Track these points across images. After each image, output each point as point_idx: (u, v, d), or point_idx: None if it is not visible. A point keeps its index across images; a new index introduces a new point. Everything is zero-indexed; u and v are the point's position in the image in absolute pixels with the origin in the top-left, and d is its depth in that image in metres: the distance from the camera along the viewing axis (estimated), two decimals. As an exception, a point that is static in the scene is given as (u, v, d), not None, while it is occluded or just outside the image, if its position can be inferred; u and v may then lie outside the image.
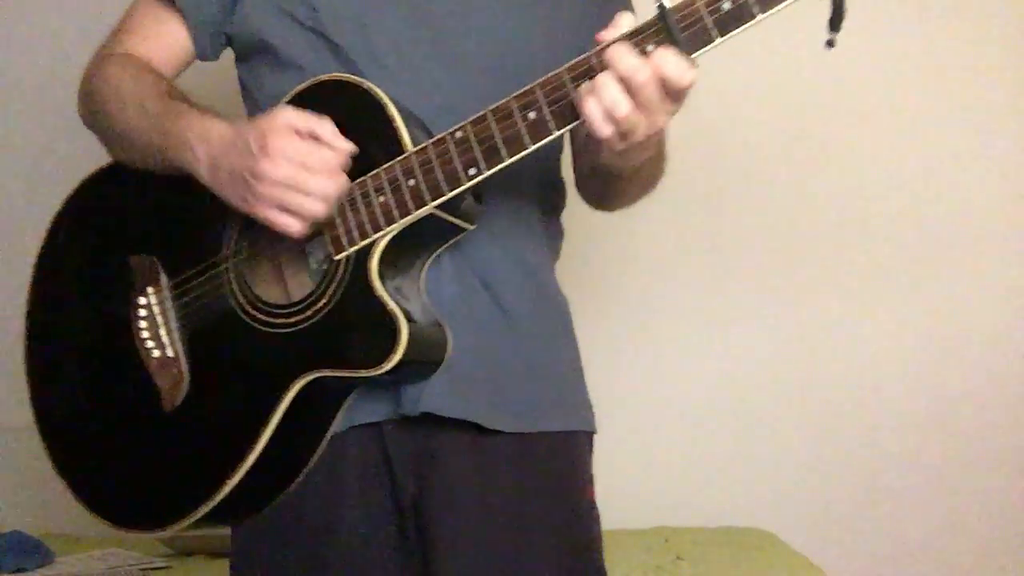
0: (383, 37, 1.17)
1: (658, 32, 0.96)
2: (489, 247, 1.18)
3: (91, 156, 1.29)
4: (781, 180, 2.32)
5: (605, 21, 1.11)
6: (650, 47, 0.96)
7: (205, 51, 1.27)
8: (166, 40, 1.26)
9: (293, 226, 1.06)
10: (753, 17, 0.93)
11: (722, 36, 0.95)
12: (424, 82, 1.16)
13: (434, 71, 1.16)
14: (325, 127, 1.05)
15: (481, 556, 1.15)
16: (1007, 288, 2.30)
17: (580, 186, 1.32)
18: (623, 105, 0.95)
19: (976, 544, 2.27)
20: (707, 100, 2.23)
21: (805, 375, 2.34)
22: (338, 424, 1.15)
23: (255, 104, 1.25)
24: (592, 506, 1.25)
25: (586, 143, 1.10)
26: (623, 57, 0.95)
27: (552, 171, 1.31)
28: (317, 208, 1.04)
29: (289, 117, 1.05)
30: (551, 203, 1.30)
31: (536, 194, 1.25)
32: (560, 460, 1.22)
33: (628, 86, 0.95)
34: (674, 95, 0.97)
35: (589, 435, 1.27)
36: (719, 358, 2.38)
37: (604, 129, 0.97)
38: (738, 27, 0.94)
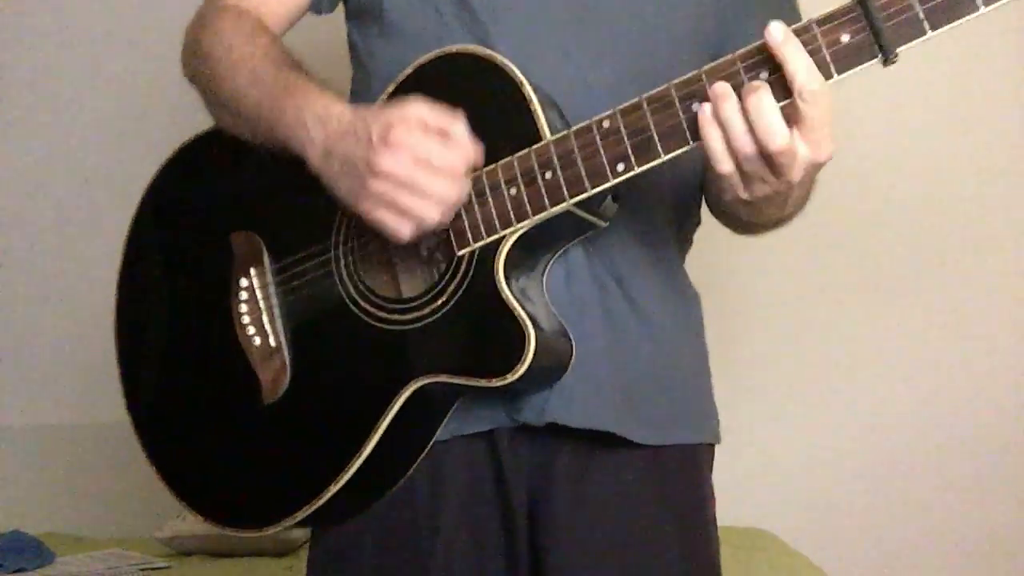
0: (517, 3, 1.05)
1: (855, 20, 0.82)
2: (622, 240, 1.07)
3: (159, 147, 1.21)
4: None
5: (762, 9, 1.00)
6: (844, 37, 0.82)
7: (320, 3, 1.16)
8: None
9: (402, 229, 0.94)
10: (976, 9, 0.79)
11: (933, 30, 0.81)
12: (559, 50, 1.04)
13: (571, 44, 1.05)
14: (458, 127, 0.94)
15: (602, 572, 1.07)
16: (1008, 288, 2.30)
17: (710, 206, 1.19)
18: (748, 145, 0.84)
19: (976, 544, 2.27)
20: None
21: (805, 375, 2.34)
22: (441, 431, 1.07)
23: (364, 70, 1.14)
24: (714, 522, 1.17)
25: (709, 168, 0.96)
26: (794, 54, 0.82)
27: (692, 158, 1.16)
28: (431, 214, 0.94)
29: (420, 110, 0.94)
30: (690, 192, 1.17)
31: (674, 181, 1.12)
32: (690, 476, 1.13)
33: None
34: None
35: (712, 447, 1.18)
36: (719, 359, 2.37)
37: (723, 164, 0.86)
38: (956, 19, 0.80)
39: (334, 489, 1.02)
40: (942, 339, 2.30)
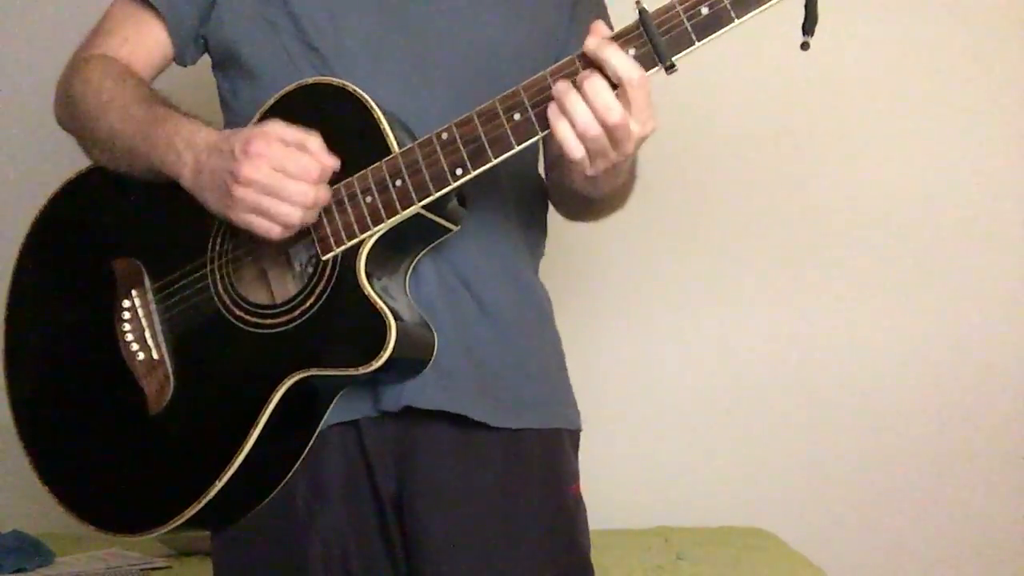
0: (357, 41, 1.18)
1: (639, 36, 0.98)
2: (467, 246, 1.18)
3: (72, 160, 1.27)
4: (779, 174, 2.32)
5: (575, 31, 1.16)
6: (631, 51, 0.98)
7: (184, 55, 1.27)
8: (145, 42, 1.25)
9: (271, 230, 1.05)
10: (731, 21, 0.96)
11: (700, 40, 0.97)
12: (400, 85, 1.16)
13: (409, 76, 1.17)
14: (313, 140, 1.05)
15: (467, 552, 1.15)
16: (1008, 288, 2.30)
17: (553, 200, 1.33)
18: (594, 127, 0.98)
19: (976, 544, 2.27)
20: (707, 98, 2.24)
21: (805, 375, 2.34)
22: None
23: (232, 112, 1.25)
24: (578, 501, 1.25)
25: (556, 161, 1.12)
26: (613, 54, 0.97)
27: (530, 167, 1.32)
28: (294, 215, 1.04)
29: (277, 127, 1.05)
30: (531, 200, 1.31)
31: (515, 192, 1.26)
32: (545, 457, 1.22)
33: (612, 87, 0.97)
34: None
35: (573, 433, 1.28)
36: (720, 359, 2.37)
37: (575, 151, 0.99)
38: (716, 31, 0.97)
39: (218, 486, 1.09)
40: (942, 339, 2.31)
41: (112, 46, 1.25)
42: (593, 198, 1.18)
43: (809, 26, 0.99)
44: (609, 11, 1.31)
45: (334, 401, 1.15)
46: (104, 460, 1.20)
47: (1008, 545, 2.27)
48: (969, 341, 2.29)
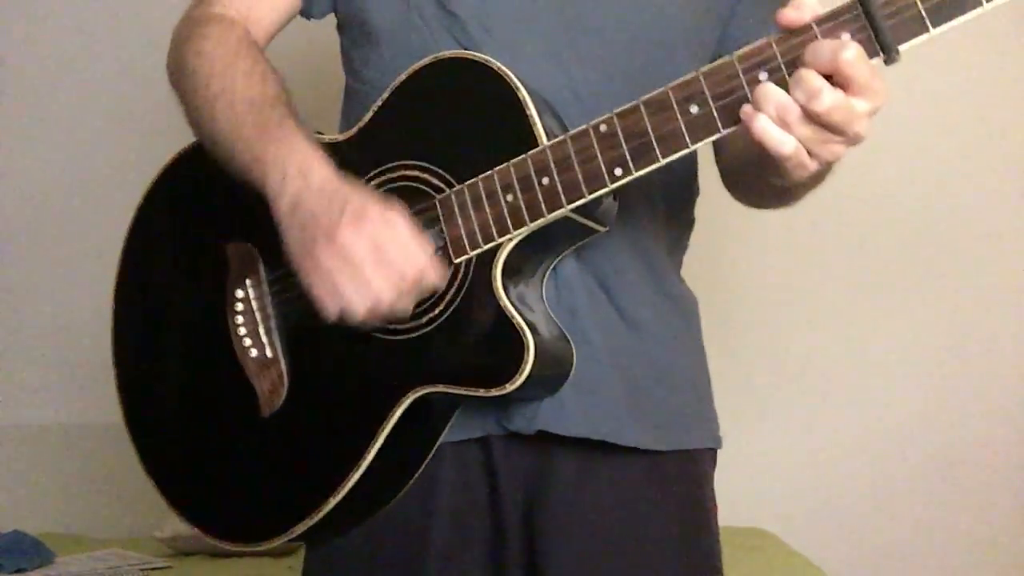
0: (502, 5, 1.04)
1: (855, 19, 0.82)
2: (607, 244, 1.05)
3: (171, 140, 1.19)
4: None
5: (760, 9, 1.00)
6: (845, 36, 0.81)
7: (311, 7, 1.15)
8: None
9: (328, 305, 0.93)
10: (979, 5, 0.79)
11: (935, 27, 0.80)
12: (548, 57, 1.04)
13: (561, 51, 1.04)
14: (426, 246, 0.94)
15: (600, 572, 1.05)
16: (1008, 290, 2.30)
17: (732, 185, 1.17)
18: (826, 93, 0.80)
19: (976, 544, 2.27)
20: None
21: (805, 375, 2.34)
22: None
23: (357, 76, 1.13)
24: (716, 527, 1.15)
25: (752, 157, 0.94)
26: (821, 52, 0.81)
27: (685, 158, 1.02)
28: (360, 305, 0.92)
29: (401, 216, 0.94)
30: (680, 188, 1.16)
31: (662, 180, 1.09)
32: (691, 481, 1.12)
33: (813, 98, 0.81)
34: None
35: (714, 451, 1.17)
36: (719, 359, 2.37)
37: (785, 144, 0.83)
38: (958, 16, 0.80)
39: (333, 503, 1.00)
40: (943, 339, 2.31)
41: (236, 1, 1.12)
42: (799, 187, 0.98)
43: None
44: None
45: (454, 416, 1.04)
46: (211, 462, 1.11)
47: (1008, 545, 2.27)
48: (969, 341, 2.30)
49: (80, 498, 2.34)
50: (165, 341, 1.16)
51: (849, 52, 0.80)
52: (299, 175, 0.96)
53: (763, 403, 2.35)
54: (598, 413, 1.04)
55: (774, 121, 0.83)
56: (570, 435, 1.03)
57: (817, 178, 0.94)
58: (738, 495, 2.31)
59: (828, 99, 0.81)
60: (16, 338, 2.11)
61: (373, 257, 0.91)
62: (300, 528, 1.02)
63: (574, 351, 1.02)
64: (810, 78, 0.81)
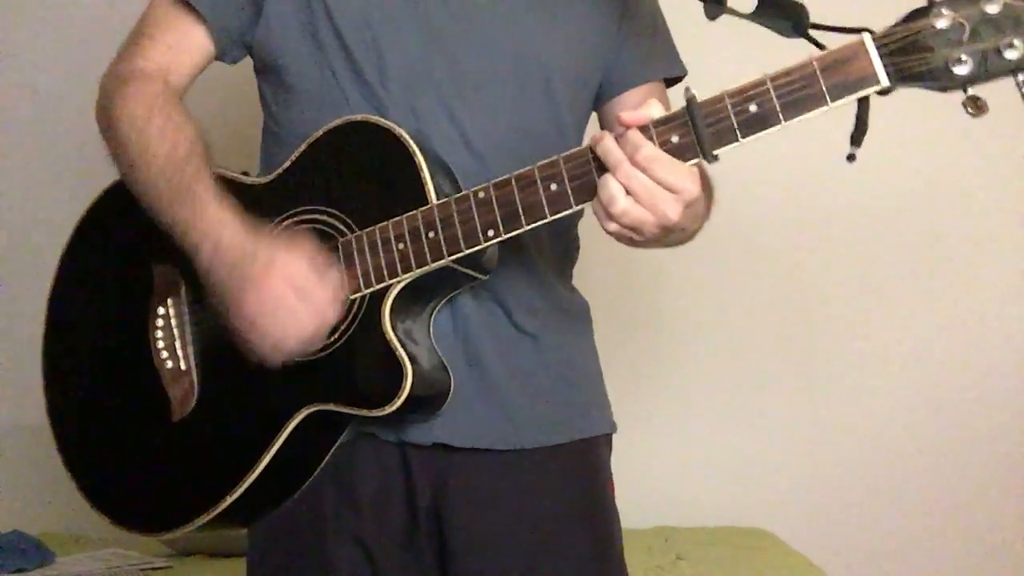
0: (399, 67, 1.17)
1: (683, 124, 0.97)
2: (505, 271, 1.19)
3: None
4: (776, 182, 2.31)
5: (626, 45, 1.18)
6: (674, 138, 0.97)
7: (226, 56, 1.26)
8: (187, 47, 1.24)
9: (264, 353, 1.08)
10: (778, 123, 0.94)
11: (744, 137, 0.95)
12: (441, 110, 1.17)
13: (454, 106, 1.17)
14: (333, 272, 1.08)
15: (505, 557, 1.18)
16: (1006, 290, 2.30)
17: None
18: (620, 201, 0.96)
19: (976, 544, 2.27)
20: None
21: (805, 375, 2.34)
22: (344, 436, 1.18)
23: (273, 118, 1.26)
24: (613, 503, 1.28)
25: None
26: (637, 150, 0.96)
27: None
28: (292, 342, 1.06)
29: (306, 250, 1.08)
30: (564, 233, 1.31)
31: (551, 231, 1.24)
32: (583, 461, 1.25)
33: (630, 181, 0.96)
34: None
35: (608, 436, 1.30)
36: (720, 359, 2.38)
37: (608, 225, 0.99)
38: (761, 130, 0.95)
39: (229, 500, 1.13)
40: (942, 339, 2.31)
41: (156, 54, 1.23)
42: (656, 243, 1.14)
43: (858, 137, 0.96)
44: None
45: (344, 432, 1.17)
46: (126, 459, 1.24)
47: (1008, 545, 2.27)
48: (969, 341, 2.30)
49: (80, 498, 2.35)
50: (91, 349, 1.29)
51: (644, 151, 0.96)
52: (207, 238, 1.09)
53: (764, 402, 2.35)
54: (493, 423, 1.18)
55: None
56: (460, 446, 1.17)
57: (673, 238, 1.07)
58: (738, 495, 2.33)
59: (621, 205, 0.96)
60: (16, 338, 2.10)
61: (291, 297, 1.05)
62: (199, 521, 1.16)
63: (452, 381, 1.16)
64: (607, 184, 0.97)
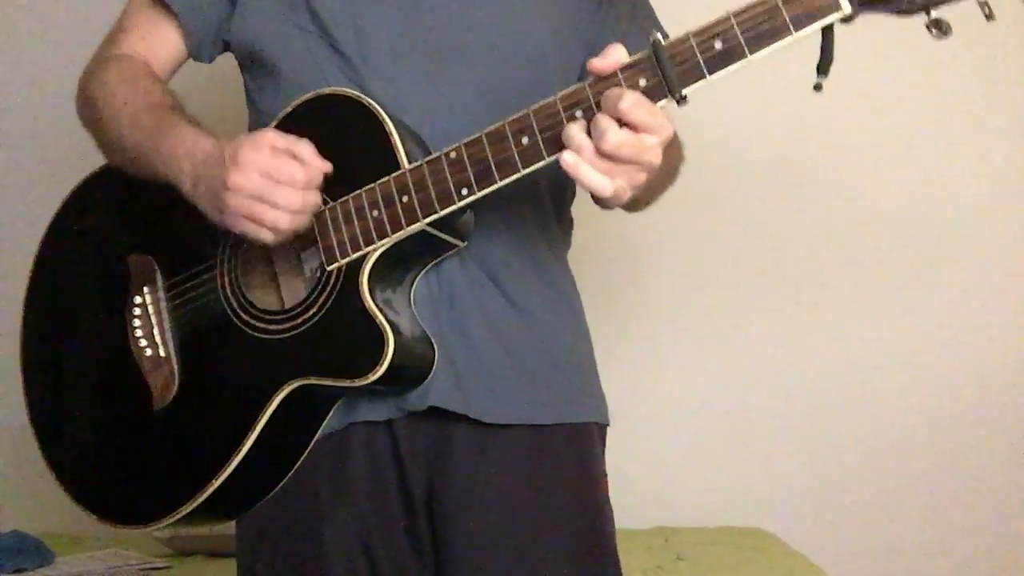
0: (379, 41, 1.18)
1: (651, 67, 0.98)
2: (494, 240, 1.19)
3: (91, 155, 1.29)
4: (782, 184, 2.32)
5: (609, 14, 1.17)
6: (642, 81, 0.98)
7: (199, 54, 1.29)
8: (160, 40, 1.27)
9: (261, 235, 1.07)
10: (744, 57, 0.95)
11: (711, 74, 0.96)
12: (425, 82, 1.17)
13: (434, 75, 1.18)
14: (303, 147, 1.07)
15: (497, 547, 1.16)
16: (1005, 290, 2.30)
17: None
18: (613, 132, 0.96)
19: (975, 544, 2.27)
20: (707, 105, 2.23)
21: (805, 376, 2.34)
22: (334, 423, 1.18)
23: (258, 110, 1.27)
24: (606, 499, 1.26)
25: None
26: (608, 101, 0.97)
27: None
28: (282, 220, 1.06)
29: (269, 136, 1.07)
30: (559, 195, 1.31)
31: (544, 188, 1.26)
32: (576, 452, 1.23)
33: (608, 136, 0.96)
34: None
35: (602, 427, 1.29)
36: (720, 359, 2.38)
37: (582, 172, 0.98)
38: (728, 66, 0.96)
39: (214, 486, 1.12)
40: (942, 338, 2.31)
41: (131, 43, 1.27)
42: (635, 203, 1.16)
43: (824, 66, 0.97)
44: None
45: (336, 407, 1.16)
46: (108, 452, 1.23)
47: (1008, 546, 2.27)
48: (968, 341, 2.30)
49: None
50: (69, 341, 1.29)
51: (625, 101, 0.96)
52: (187, 156, 1.10)
53: (763, 403, 2.35)
54: (478, 392, 1.17)
55: (579, 157, 0.98)
56: (454, 410, 1.16)
57: (645, 196, 1.12)
58: (738, 495, 2.33)
59: (612, 138, 0.96)
60: (16, 338, 2.11)
61: (265, 179, 1.05)
62: (184, 510, 1.14)
63: (436, 350, 1.15)
64: (600, 121, 0.97)
